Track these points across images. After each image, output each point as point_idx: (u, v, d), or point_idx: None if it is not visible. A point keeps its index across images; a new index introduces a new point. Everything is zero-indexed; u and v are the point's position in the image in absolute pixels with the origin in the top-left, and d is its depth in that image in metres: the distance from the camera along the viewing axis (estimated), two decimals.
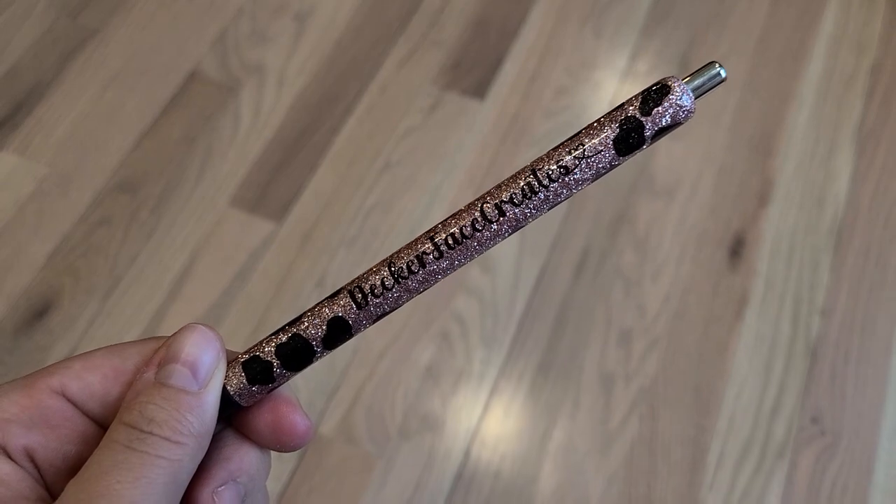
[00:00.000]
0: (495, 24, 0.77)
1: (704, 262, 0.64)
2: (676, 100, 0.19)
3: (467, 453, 0.58)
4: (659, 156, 0.69)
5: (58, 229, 0.66)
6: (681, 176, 0.68)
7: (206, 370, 0.19)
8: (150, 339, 0.21)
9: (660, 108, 0.19)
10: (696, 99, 0.19)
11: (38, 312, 0.62)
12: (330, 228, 0.67)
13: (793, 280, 0.63)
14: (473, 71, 0.75)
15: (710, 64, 0.20)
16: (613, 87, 0.74)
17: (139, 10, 0.79)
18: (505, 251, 0.65)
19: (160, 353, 0.20)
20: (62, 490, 0.19)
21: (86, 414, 0.20)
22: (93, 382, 0.20)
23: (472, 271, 0.64)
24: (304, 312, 0.21)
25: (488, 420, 0.59)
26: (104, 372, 0.20)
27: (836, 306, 0.62)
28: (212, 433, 0.19)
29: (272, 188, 0.68)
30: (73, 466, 0.20)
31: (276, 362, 0.20)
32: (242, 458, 0.21)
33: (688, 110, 0.19)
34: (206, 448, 0.19)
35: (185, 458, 0.18)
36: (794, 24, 0.77)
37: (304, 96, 0.73)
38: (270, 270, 0.65)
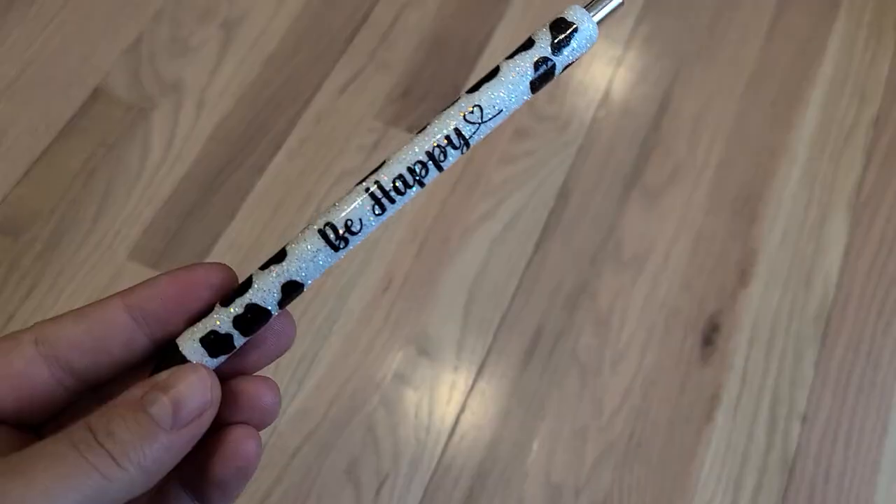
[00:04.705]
0: (454, 44, 0.67)
1: (674, 349, 0.56)
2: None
3: None
4: (630, 218, 0.61)
5: None
6: (653, 242, 0.60)
7: (186, 415, 0.19)
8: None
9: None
10: (598, 25, 0.21)
11: None
12: None
13: (772, 376, 0.56)
14: (425, 101, 0.65)
15: None
16: (584, 129, 0.64)
17: (41, 7, 0.68)
18: (446, 330, 0.56)
19: (160, 375, 0.20)
20: None
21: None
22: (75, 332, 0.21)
23: (407, 351, 0.55)
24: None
25: None
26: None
27: (818, 411, 0.55)
28: (163, 474, 0.19)
29: (181, 236, 0.59)
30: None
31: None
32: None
33: (593, 41, 0.21)
34: (149, 486, 0.19)
35: (119, 483, 0.18)
36: (790, 64, 0.68)
37: (226, 124, 0.63)
38: None
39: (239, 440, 0.21)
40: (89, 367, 0.21)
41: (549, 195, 0.61)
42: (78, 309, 0.21)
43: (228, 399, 0.21)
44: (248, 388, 0.21)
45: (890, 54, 0.68)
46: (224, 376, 0.22)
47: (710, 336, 0.57)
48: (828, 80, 0.67)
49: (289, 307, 0.22)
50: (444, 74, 0.66)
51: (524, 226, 0.60)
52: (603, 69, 0.67)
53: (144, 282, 0.22)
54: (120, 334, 0.21)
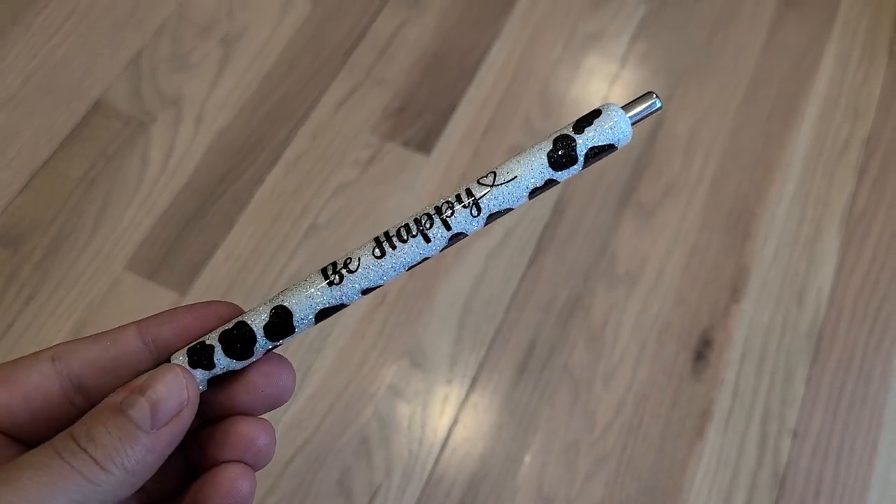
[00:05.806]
0: (451, 60, 0.68)
1: (666, 364, 0.57)
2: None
3: None
4: (624, 233, 0.61)
5: None
6: (647, 258, 0.60)
7: (165, 415, 0.20)
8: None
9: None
10: (632, 125, 0.22)
11: None
12: (243, 298, 0.58)
13: (763, 392, 0.56)
14: (421, 117, 0.66)
15: (648, 94, 0.23)
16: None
17: (45, 19, 0.69)
18: (439, 344, 0.56)
19: (138, 379, 0.20)
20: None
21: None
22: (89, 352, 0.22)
23: (401, 364, 0.56)
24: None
25: None
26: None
27: (809, 427, 0.55)
28: (148, 475, 0.20)
29: (179, 247, 0.59)
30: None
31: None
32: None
33: (625, 135, 0.22)
34: (137, 487, 0.19)
35: (106, 485, 0.19)
36: (784, 81, 0.69)
37: (224, 137, 0.64)
38: None
39: (233, 479, 0.22)
40: (98, 387, 0.22)
41: (543, 210, 0.62)
42: (97, 333, 0.23)
43: (224, 438, 0.22)
44: (243, 428, 0.22)
45: (882, 73, 0.69)
46: (220, 415, 0.23)
47: (703, 351, 0.57)
48: (821, 98, 0.68)
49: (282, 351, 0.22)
50: (441, 90, 0.67)
51: (519, 241, 0.60)
52: (598, 86, 0.68)
53: (161, 312, 0.23)
54: (131, 357, 0.22)
